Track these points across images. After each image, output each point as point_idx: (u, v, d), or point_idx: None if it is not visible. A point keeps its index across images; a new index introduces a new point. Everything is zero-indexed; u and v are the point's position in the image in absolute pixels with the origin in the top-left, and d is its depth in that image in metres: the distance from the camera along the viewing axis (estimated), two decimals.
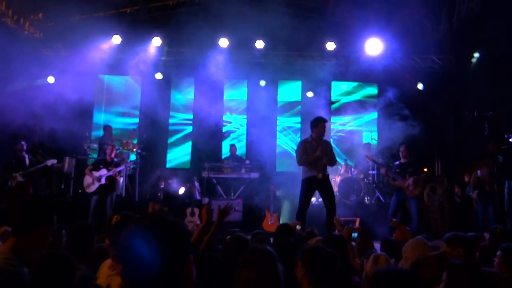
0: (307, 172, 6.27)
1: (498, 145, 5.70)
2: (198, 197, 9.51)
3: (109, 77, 12.05)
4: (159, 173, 10.30)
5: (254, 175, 9.69)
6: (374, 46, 10.19)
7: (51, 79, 10.42)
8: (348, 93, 12.33)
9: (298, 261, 2.49)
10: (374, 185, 9.80)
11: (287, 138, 12.26)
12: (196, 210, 8.49)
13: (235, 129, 12.27)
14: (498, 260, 2.94)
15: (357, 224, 7.85)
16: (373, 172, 9.83)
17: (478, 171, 8.38)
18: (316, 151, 6.13)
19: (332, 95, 12.20)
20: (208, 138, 11.14)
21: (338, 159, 6.87)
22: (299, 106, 12.24)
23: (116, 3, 10.74)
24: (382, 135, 10.94)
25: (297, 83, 12.28)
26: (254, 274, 2.02)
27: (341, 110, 12.18)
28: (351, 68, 11.16)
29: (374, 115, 12.06)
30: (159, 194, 9.70)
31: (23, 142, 8.07)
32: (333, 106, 12.17)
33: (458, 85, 10.36)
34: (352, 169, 9.92)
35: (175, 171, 10.97)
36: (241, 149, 11.74)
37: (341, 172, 9.82)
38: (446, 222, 8.60)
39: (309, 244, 2.70)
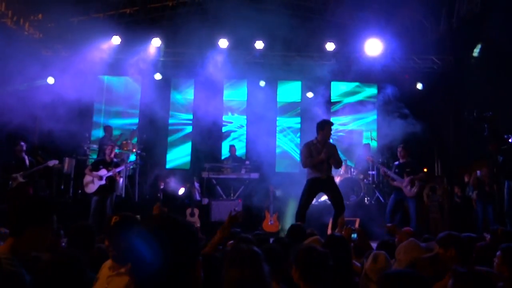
0: (311, 174, 6.23)
1: (498, 145, 5.70)
2: (197, 197, 9.51)
3: (108, 77, 12.05)
4: (159, 174, 10.30)
5: (254, 175, 9.70)
6: (373, 47, 10.19)
7: (51, 80, 10.42)
8: (348, 93, 12.33)
9: (292, 264, 2.49)
10: (374, 186, 9.80)
11: (286, 139, 12.26)
12: (196, 211, 8.49)
13: (237, 128, 12.28)
14: (497, 260, 2.94)
15: (356, 224, 7.85)
16: (373, 172, 9.83)
17: (478, 171, 8.39)
18: (321, 153, 6.11)
19: (331, 95, 12.20)
20: (207, 138, 11.15)
21: None
22: (299, 107, 12.24)
23: (115, 4, 10.75)
24: (381, 135, 10.93)
25: (297, 83, 12.28)
26: (239, 274, 2.02)
27: (341, 110, 12.18)
28: (350, 68, 11.15)
29: (373, 115, 12.06)
30: (158, 195, 9.69)
31: (22, 143, 8.07)
32: (333, 106, 12.17)
33: (458, 85, 10.36)
34: (352, 170, 9.92)
35: (175, 171, 10.97)
36: (240, 150, 11.75)
37: (341, 172, 9.82)
38: (446, 222, 8.61)
39: (301, 246, 2.69)
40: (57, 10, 9.32)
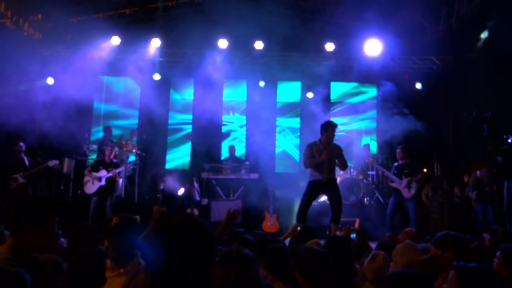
0: (313, 175, 6.22)
1: (497, 146, 5.70)
2: (197, 198, 9.50)
3: (108, 78, 12.04)
4: (159, 174, 10.30)
5: (254, 176, 9.69)
6: (373, 47, 10.19)
7: (50, 80, 10.42)
8: (347, 94, 12.33)
9: (295, 270, 2.50)
10: (374, 186, 9.80)
11: (286, 139, 12.26)
12: (196, 211, 8.49)
13: (237, 128, 12.28)
14: (497, 261, 2.94)
15: (356, 225, 7.85)
16: (373, 172, 9.83)
17: (478, 172, 8.39)
18: (322, 154, 6.10)
19: (331, 96, 12.20)
20: (207, 138, 11.15)
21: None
22: (299, 107, 12.24)
23: (115, 4, 10.75)
24: (381, 135, 10.93)
25: (296, 84, 12.28)
26: (224, 276, 2.03)
27: (340, 110, 12.18)
28: (350, 68, 11.15)
29: (373, 115, 12.06)
30: (158, 195, 9.69)
31: (21, 144, 8.06)
32: (332, 106, 12.16)
33: (457, 85, 10.36)
34: (352, 170, 9.92)
35: (174, 172, 10.96)
36: (240, 150, 11.75)
37: (341, 173, 9.81)
38: (445, 222, 8.61)
39: (300, 249, 2.70)
40: (56, 10, 9.32)
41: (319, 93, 11.46)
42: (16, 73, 9.08)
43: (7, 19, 9.56)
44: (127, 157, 9.96)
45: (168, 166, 11.84)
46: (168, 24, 10.54)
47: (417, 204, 7.36)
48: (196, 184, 9.89)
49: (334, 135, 6.24)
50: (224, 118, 12.20)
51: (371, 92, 12.26)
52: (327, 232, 5.75)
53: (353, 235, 4.53)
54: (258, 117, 11.10)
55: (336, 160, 6.32)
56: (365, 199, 9.61)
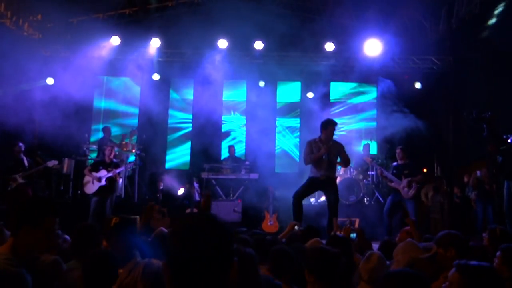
0: (312, 172, 6.28)
1: (497, 146, 5.70)
2: (197, 198, 9.50)
3: (108, 78, 12.04)
4: (157, 173, 10.29)
5: (253, 176, 9.69)
6: (373, 47, 10.19)
7: (50, 80, 10.42)
8: (347, 94, 12.33)
9: (306, 269, 2.49)
10: (374, 186, 9.80)
11: (286, 139, 12.26)
12: (196, 211, 8.49)
13: (237, 128, 12.28)
14: (497, 261, 2.94)
15: (356, 224, 7.84)
16: (372, 172, 9.83)
17: (478, 172, 8.39)
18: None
19: (331, 96, 12.20)
20: (207, 139, 11.14)
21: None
22: (298, 108, 12.23)
23: (115, 4, 10.75)
24: (380, 135, 10.94)
25: (296, 84, 12.28)
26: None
27: (340, 110, 12.18)
28: (350, 68, 11.16)
29: (373, 115, 12.06)
30: (158, 195, 9.69)
31: (21, 144, 8.06)
32: (332, 106, 12.15)
33: (457, 85, 10.37)
34: (352, 170, 9.91)
35: (174, 172, 10.95)
36: (240, 150, 11.75)
37: (341, 172, 9.82)
38: (446, 222, 8.61)
39: (311, 249, 2.69)
40: (56, 10, 9.32)
41: (319, 93, 11.47)
42: (16, 73, 9.08)
43: (7, 19, 9.56)
44: (127, 157, 9.96)
45: (168, 166, 11.84)
46: (168, 24, 10.53)
47: (417, 204, 7.36)
48: (196, 184, 9.89)
49: (333, 133, 6.26)
50: (224, 117, 12.20)
51: (371, 92, 12.26)
52: (327, 230, 5.75)
53: (353, 235, 4.54)
54: (258, 117, 11.10)
55: (338, 158, 6.34)
56: (365, 199, 9.61)
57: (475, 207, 8.48)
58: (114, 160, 8.06)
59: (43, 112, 9.06)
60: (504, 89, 8.01)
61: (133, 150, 9.92)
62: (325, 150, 6.06)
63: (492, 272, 2.01)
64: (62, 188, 9.65)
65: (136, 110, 11.99)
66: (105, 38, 10.29)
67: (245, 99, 12.24)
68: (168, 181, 9.67)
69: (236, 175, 9.79)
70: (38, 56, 10.18)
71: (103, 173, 7.66)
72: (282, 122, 12.31)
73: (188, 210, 8.48)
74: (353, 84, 12.21)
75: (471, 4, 9.03)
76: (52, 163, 8.25)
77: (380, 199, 9.58)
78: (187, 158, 11.96)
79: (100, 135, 10.67)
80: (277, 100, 12.26)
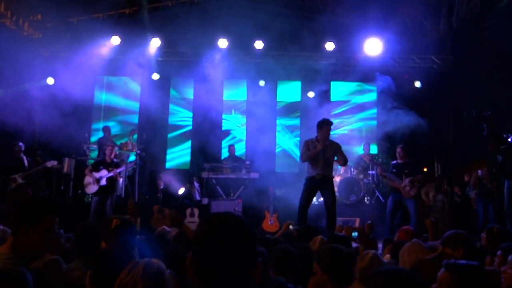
0: (308, 172, 6.33)
1: (497, 145, 5.70)
2: (197, 197, 9.51)
3: (108, 77, 12.04)
4: (156, 171, 10.29)
5: (254, 175, 9.68)
6: (373, 46, 10.18)
7: (50, 80, 10.42)
8: (347, 93, 12.32)
9: (317, 266, 2.49)
10: (374, 185, 9.80)
11: (286, 138, 12.26)
12: (196, 211, 8.49)
13: (237, 127, 12.28)
14: (498, 260, 2.94)
15: (356, 224, 7.86)
16: (373, 172, 9.83)
17: (479, 171, 8.38)
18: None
19: (331, 95, 12.19)
20: (207, 138, 11.14)
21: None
22: (299, 109, 12.23)
23: (115, 4, 10.74)
24: (381, 135, 10.94)
25: (297, 83, 12.27)
26: None
27: (340, 110, 12.17)
28: (350, 68, 11.15)
29: (373, 115, 12.05)
30: (158, 195, 9.69)
31: (21, 144, 8.06)
32: (332, 106, 12.15)
33: (458, 85, 10.36)
34: (352, 169, 9.92)
35: (174, 171, 10.96)
36: (240, 149, 11.74)
37: (341, 172, 9.82)
38: (446, 222, 8.61)
39: (325, 249, 2.67)
40: (56, 10, 9.32)
41: (319, 92, 11.47)
42: (16, 73, 9.08)
43: (7, 19, 9.56)
44: (127, 157, 9.96)
45: (168, 165, 11.84)
46: (168, 24, 10.53)
47: (418, 203, 7.37)
48: (196, 184, 9.90)
49: (329, 133, 6.29)
50: (224, 116, 12.20)
51: (371, 91, 12.25)
52: (327, 230, 5.75)
53: (354, 233, 4.55)
54: (258, 116, 11.10)
55: (335, 158, 6.36)
56: (366, 198, 9.61)
57: (475, 207, 8.48)
58: (115, 160, 8.06)
59: (43, 112, 9.06)
60: (505, 88, 8.00)
61: (134, 150, 9.92)
62: (321, 146, 6.11)
63: (482, 270, 2.02)
64: (62, 188, 9.65)
65: (136, 109, 12.00)
66: (105, 37, 10.29)
67: (245, 99, 12.24)
68: (167, 179, 9.68)
69: (236, 174, 9.79)
70: (38, 56, 10.17)
71: (104, 172, 7.66)
72: (283, 122, 12.31)
73: (189, 210, 8.48)
74: (354, 84, 12.21)
75: (472, 3, 9.02)
76: (51, 163, 8.25)
77: (381, 198, 9.58)
78: (188, 157, 11.96)
79: (100, 134, 10.68)
80: (278, 100, 12.25)
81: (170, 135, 12.14)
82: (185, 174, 10.78)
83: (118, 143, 10.03)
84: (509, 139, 5.71)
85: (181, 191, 9.65)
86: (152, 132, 10.80)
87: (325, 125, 6.26)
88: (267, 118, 11.28)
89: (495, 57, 8.63)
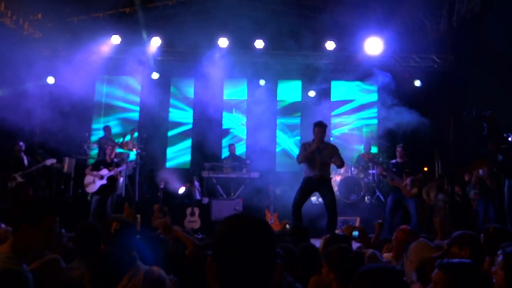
0: (306, 172, 6.34)
1: (497, 144, 5.70)
2: (198, 197, 9.51)
3: (108, 77, 12.04)
4: (159, 173, 10.29)
5: (254, 174, 9.69)
6: (373, 45, 10.17)
7: (50, 80, 10.42)
8: (348, 93, 12.32)
9: (324, 264, 2.50)
10: (374, 185, 9.79)
11: (286, 137, 12.26)
12: (196, 210, 8.49)
13: (237, 126, 12.28)
14: (498, 260, 2.93)
15: (357, 223, 7.85)
16: (373, 171, 9.82)
17: (480, 170, 8.38)
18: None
19: (331, 95, 12.19)
20: (207, 137, 11.13)
21: None
22: (299, 109, 12.22)
23: (115, 3, 10.74)
24: (381, 134, 10.93)
25: (297, 83, 12.27)
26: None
27: (341, 109, 12.17)
28: (350, 67, 11.15)
29: (373, 114, 12.05)
30: (158, 194, 9.69)
31: (21, 143, 8.06)
32: (333, 105, 12.15)
33: (458, 84, 10.36)
34: (352, 169, 9.91)
35: (175, 171, 10.96)
36: (241, 149, 11.74)
37: (341, 171, 9.81)
38: (447, 221, 8.60)
39: (334, 249, 2.69)
40: (56, 9, 9.33)
41: (319, 92, 11.46)
42: (16, 72, 9.08)
43: (7, 18, 9.56)
44: (128, 156, 9.96)
45: (168, 164, 11.85)
46: (169, 23, 10.52)
47: (418, 203, 7.36)
48: (196, 183, 9.90)
49: (322, 135, 6.27)
50: (225, 116, 12.20)
51: (372, 90, 12.24)
52: (327, 230, 5.75)
53: (355, 233, 4.54)
54: (258, 116, 11.10)
55: (332, 160, 6.37)
56: (366, 197, 9.61)
57: (475, 206, 8.48)
58: (115, 159, 8.05)
59: (43, 111, 9.07)
60: (505, 88, 8.00)
61: (134, 149, 9.92)
62: (315, 145, 6.12)
63: (475, 269, 2.02)
64: (62, 187, 9.66)
65: (136, 109, 12.00)
66: (106, 37, 10.29)
67: (246, 98, 12.24)
68: (173, 184, 9.68)
69: (236, 174, 9.79)
70: (38, 55, 10.17)
71: (104, 172, 7.66)
72: (283, 121, 12.31)
73: (189, 209, 8.48)
74: (354, 83, 12.20)
75: (472, 3, 9.02)
76: (51, 161, 8.25)
77: (381, 197, 9.58)
78: (188, 157, 11.97)
79: (101, 133, 10.68)
80: (278, 99, 12.25)
81: (170, 134, 12.14)
82: (186, 173, 10.78)
83: (119, 141, 10.04)
84: (510, 138, 5.71)
85: (182, 190, 9.64)
86: (153, 131, 10.80)
87: (316, 127, 6.27)
88: (267, 117, 11.28)
89: (495, 57, 8.62)
